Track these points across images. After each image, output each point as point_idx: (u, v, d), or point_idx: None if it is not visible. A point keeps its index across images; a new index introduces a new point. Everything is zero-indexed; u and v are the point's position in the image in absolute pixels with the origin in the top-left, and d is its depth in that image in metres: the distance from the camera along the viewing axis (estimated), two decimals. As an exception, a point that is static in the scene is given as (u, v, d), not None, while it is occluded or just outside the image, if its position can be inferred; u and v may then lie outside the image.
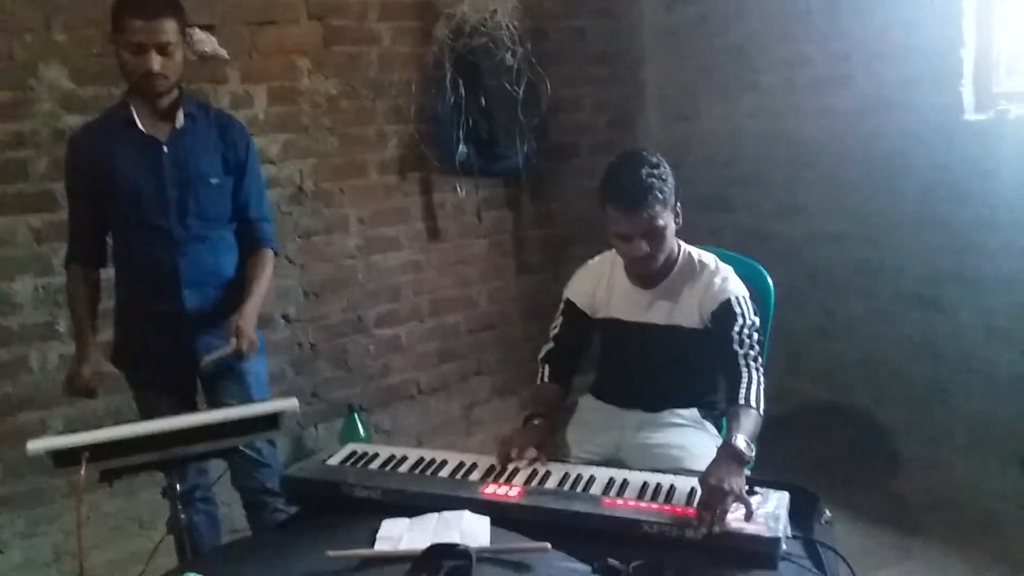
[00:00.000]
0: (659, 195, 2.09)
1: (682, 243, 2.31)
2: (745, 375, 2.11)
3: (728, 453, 1.88)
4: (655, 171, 2.12)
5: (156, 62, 2.20)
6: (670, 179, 2.14)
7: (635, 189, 2.10)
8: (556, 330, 2.43)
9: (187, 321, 2.36)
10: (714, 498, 1.73)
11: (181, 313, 2.36)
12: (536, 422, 2.20)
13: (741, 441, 1.90)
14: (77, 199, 2.38)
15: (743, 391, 2.07)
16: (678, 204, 2.20)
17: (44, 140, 2.83)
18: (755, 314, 2.21)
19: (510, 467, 2.04)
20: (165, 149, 2.32)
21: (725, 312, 2.18)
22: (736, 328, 2.15)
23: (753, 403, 2.05)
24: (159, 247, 2.34)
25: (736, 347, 2.14)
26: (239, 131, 2.47)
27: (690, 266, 2.28)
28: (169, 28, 2.21)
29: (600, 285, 2.37)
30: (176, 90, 2.33)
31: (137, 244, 2.34)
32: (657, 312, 2.28)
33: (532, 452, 2.09)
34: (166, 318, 2.31)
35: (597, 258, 2.44)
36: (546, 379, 2.37)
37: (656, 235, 2.14)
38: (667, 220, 2.15)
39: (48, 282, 2.87)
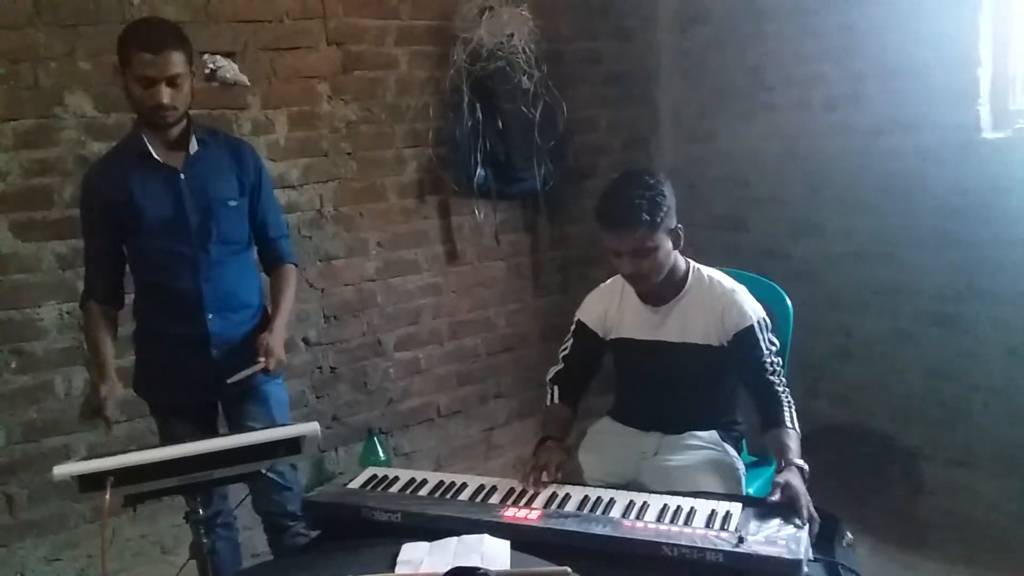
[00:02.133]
0: (645, 217, 2.10)
1: (691, 262, 2.32)
2: (784, 399, 2.17)
3: (793, 466, 1.98)
4: (647, 192, 2.13)
5: (166, 95, 2.22)
6: (665, 200, 2.15)
7: (619, 210, 2.13)
8: (566, 351, 2.45)
9: (210, 345, 2.39)
10: (796, 494, 1.86)
11: (205, 338, 2.38)
12: (551, 443, 2.21)
13: (799, 461, 2.01)
14: (95, 238, 2.38)
15: (786, 415, 2.14)
16: (678, 225, 2.20)
17: (69, 167, 2.87)
18: (773, 333, 2.23)
19: (533, 489, 2.05)
20: (182, 176, 2.35)
21: (749, 338, 2.21)
22: (765, 356, 2.20)
23: (796, 427, 2.12)
24: (182, 273, 2.36)
25: (770, 376, 2.19)
26: (250, 153, 2.50)
27: (700, 284, 2.29)
28: (177, 60, 2.23)
29: (612, 306, 2.39)
30: (186, 118, 2.36)
31: (159, 271, 2.37)
32: (669, 330, 2.30)
33: (556, 460, 2.12)
34: (190, 343, 2.33)
35: (609, 280, 2.45)
36: (556, 400, 2.39)
37: (645, 255, 2.16)
38: (658, 241, 2.15)
39: (73, 307, 2.89)
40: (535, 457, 2.15)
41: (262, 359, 2.31)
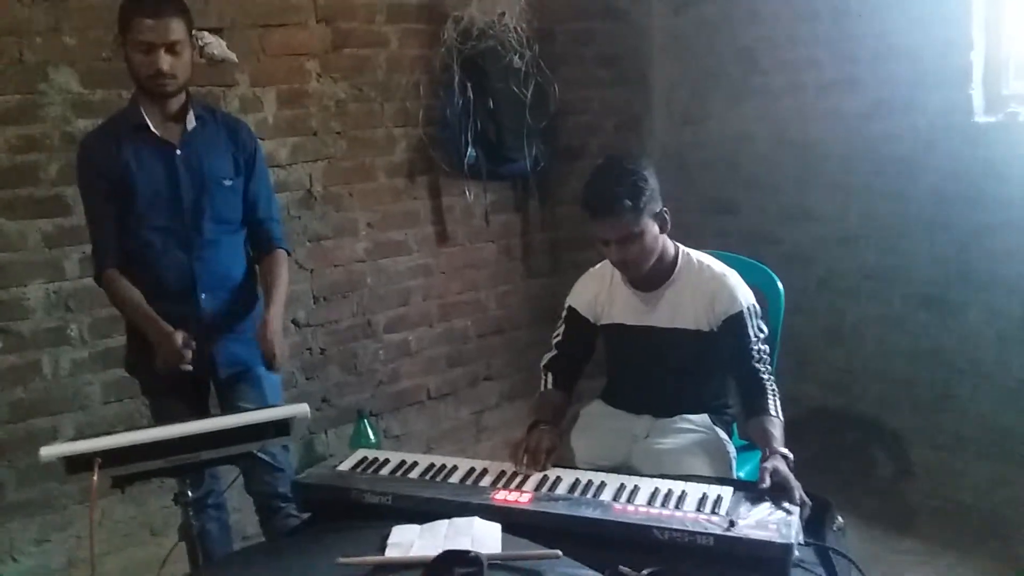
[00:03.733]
0: (627, 203, 2.10)
1: (680, 246, 2.32)
2: (769, 387, 2.17)
3: (778, 454, 1.98)
4: (627, 178, 2.13)
5: (165, 61, 2.21)
6: (648, 186, 2.15)
7: (603, 197, 2.13)
8: (558, 338, 2.44)
9: (203, 325, 2.37)
10: (786, 479, 1.86)
11: (197, 317, 2.37)
12: (543, 427, 2.21)
13: (784, 449, 2.01)
14: (99, 203, 2.34)
15: (770, 403, 2.14)
16: (663, 208, 2.20)
17: (54, 144, 2.83)
18: (761, 318, 2.24)
19: (523, 471, 2.04)
20: (178, 152, 2.33)
21: (738, 324, 2.20)
22: (752, 343, 2.20)
23: (780, 415, 2.12)
24: (174, 251, 2.35)
25: (756, 364, 2.19)
26: (247, 132, 2.49)
27: (690, 269, 2.29)
28: (177, 27, 2.22)
29: (602, 291, 2.38)
30: (184, 93, 2.34)
31: (151, 248, 2.34)
32: (659, 315, 2.29)
33: (547, 443, 2.11)
34: (182, 322, 2.31)
35: (598, 265, 2.44)
36: (550, 386, 2.38)
37: (631, 241, 2.15)
38: (643, 226, 2.15)
39: (59, 287, 2.87)
40: (526, 440, 2.14)
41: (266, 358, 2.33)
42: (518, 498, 1.92)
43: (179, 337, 2.23)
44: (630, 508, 1.84)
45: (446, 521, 1.77)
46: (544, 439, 2.13)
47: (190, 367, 2.25)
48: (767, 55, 3.70)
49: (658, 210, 2.19)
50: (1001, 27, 3.02)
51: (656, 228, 2.19)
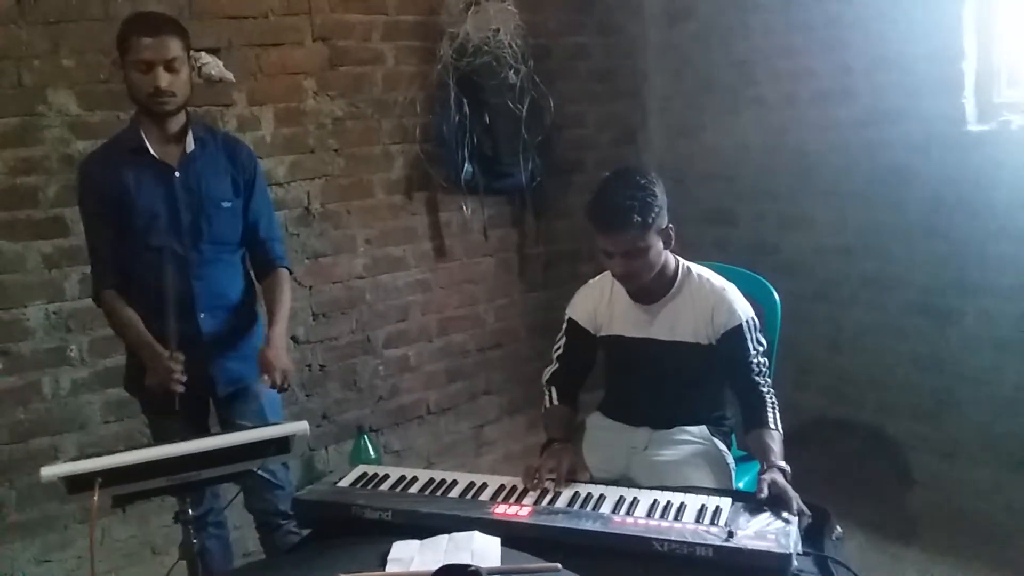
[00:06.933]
0: (637, 218, 2.10)
1: (681, 259, 2.32)
2: (768, 400, 2.17)
3: (777, 467, 1.99)
4: (638, 193, 2.12)
5: (164, 79, 2.24)
6: (656, 200, 2.14)
7: (612, 211, 2.12)
8: (560, 351, 2.44)
9: (202, 345, 2.38)
10: (785, 490, 1.88)
11: (197, 337, 2.37)
12: (557, 446, 2.21)
13: (781, 462, 2.01)
14: (99, 225, 2.36)
15: (769, 416, 2.15)
16: (669, 224, 2.20)
17: (54, 166, 2.84)
18: (761, 332, 2.24)
19: (538, 488, 2.04)
20: (177, 174, 2.34)
21: (737, 338, 2.21)
22: (752, 356, 2.20)
23: (780, 428, 2.13)
24: (173, 271, 2.34)
25: (756, 377, 2.19)
26: (247, 153, 2.50)
27: (690, 282, 2.29)
28: (174, 45, 2.25)
29: (601, 303, 2.38)
30: (184, 113, 2.36)
31: (150, 269, 2.35)
32: (659, 328, 2.29)
33: (570, 463, 2.11)
34: (181, 342, 2.32)
35: (598, 277, 2.45)
36: (555, 401, 2.38)
37: (636, 255, 2.15)
38: (650, 241, 2.15)
39: (59, 307, 2.88)
40: (557, 463, 2.11)
41: (266, 377, 2.32)
42: (518, 512, 1.93)
43: (174, 365, 2.24)
44: (629, 520, 1.84)
45: (446, 536, 1.77)
46: (565, 459, 2.12)
47: (182, 388, 2.25)
48: (761, 66, 3.72)
49: (664, 226, 2.19)
50: (992, 36, 3.04)
51: (661, 244, 2.19)
